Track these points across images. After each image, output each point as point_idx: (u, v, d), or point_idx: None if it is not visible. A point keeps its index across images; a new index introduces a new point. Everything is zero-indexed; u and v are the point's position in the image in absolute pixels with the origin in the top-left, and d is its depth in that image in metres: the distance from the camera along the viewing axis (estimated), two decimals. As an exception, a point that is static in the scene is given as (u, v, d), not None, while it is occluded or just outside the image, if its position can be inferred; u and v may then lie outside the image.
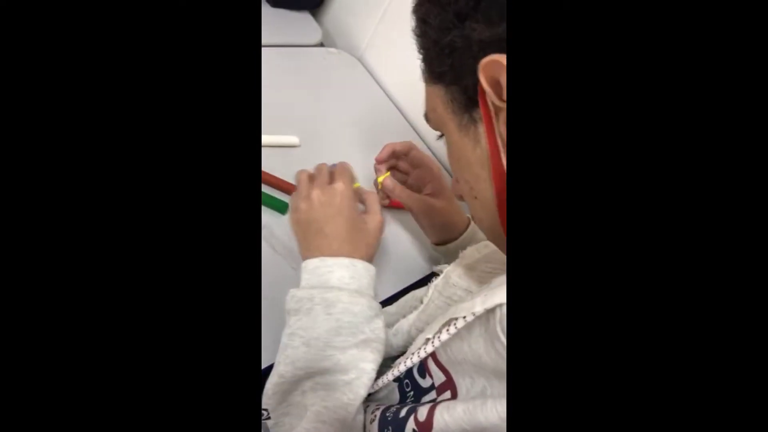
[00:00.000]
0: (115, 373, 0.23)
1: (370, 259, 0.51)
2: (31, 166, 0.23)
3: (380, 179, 0.62)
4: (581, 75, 0.23)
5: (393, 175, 0.63)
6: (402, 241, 0.69)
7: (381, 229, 0.54)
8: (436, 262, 0.66)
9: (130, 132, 0.24)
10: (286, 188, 0.64)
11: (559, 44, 0.23)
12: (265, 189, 0.63)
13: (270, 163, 0.64)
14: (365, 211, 0.55)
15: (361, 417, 0.43)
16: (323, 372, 0.43)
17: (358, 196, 0.56)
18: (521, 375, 0.23)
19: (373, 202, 0.56)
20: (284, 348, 0.44)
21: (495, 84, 0.30)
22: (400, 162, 0.67)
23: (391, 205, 0.69)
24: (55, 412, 0.22)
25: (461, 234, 0.62)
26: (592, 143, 0.23)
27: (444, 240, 0.63)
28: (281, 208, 0.62)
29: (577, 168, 0.23)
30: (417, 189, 0.65)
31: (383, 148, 0.64)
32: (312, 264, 0.48)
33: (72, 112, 0.23)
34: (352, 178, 0.56)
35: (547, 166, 0.24)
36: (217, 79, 0.25)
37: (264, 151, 0.66)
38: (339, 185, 0.52)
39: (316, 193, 0.52)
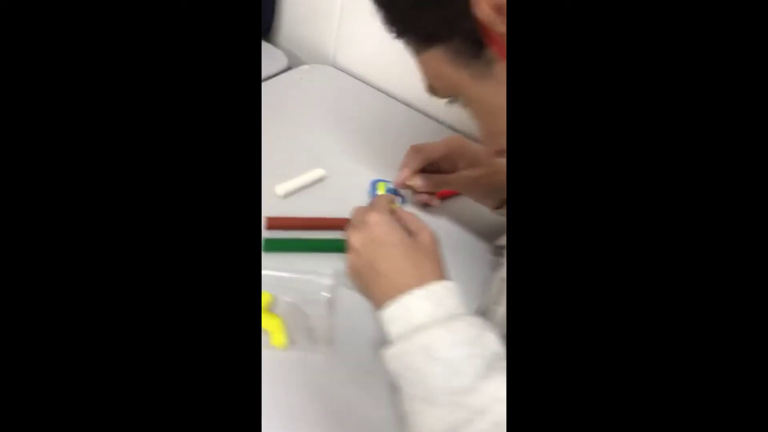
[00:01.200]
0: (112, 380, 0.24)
1: (442, 276, 0.47)
2: (29, 186, 0.23)
3: (412, 184, 0.62)
4: (580, 47, 0.24)
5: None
6: (456, 234, 0.67)
7: (435, 240, 0.50)
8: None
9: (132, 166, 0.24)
10: (338, 225, 0.60)
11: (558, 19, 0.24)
12: (321, 234, 0.60)
13: (308, 205, 0.62)
14: (411, 232, 0.50)
15: None
16: (464, 425, 0.38)
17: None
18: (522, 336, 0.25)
19: (413, 220, 0.51)
20: (409, 417, 0.41)
21: (499, 9, 0.29)
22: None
23: (441, 195, 0.68)
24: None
25: None
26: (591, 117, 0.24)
27: (501, 202, 0.63)
28: (342, 247, 0.57)
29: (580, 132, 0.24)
30: (452, 170, 0.65)
31: (399, 174, 0.63)
32: (387, 313, 0.44)
33: (75, 137, 0.23)
34: (386, 205, 0.52)
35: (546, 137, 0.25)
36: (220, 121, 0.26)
37: (298, 196, 0.64)
38: (371, 217, 0.48)
39: (354, 238, 0.48)
